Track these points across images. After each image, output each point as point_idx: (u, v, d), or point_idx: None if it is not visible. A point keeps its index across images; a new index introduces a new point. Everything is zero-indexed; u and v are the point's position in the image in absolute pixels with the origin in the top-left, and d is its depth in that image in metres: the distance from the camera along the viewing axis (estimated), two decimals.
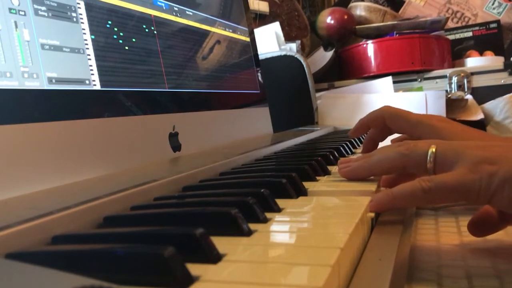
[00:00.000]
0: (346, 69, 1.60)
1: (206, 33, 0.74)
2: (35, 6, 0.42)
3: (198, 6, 0.73)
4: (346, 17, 1.60)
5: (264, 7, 1.38)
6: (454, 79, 1.40)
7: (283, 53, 1.20)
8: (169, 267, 0.20)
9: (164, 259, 0.20)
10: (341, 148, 0.63)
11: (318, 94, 1.30)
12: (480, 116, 1.29)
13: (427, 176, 0.34)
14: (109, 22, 0.51)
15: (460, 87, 1.40)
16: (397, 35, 1.49)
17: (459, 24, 1.77)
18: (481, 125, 1.29)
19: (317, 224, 0.30)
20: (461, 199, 0.34)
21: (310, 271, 0.21)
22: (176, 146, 0.58)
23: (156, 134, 0.55)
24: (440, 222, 0.44)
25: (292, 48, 1.25)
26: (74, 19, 0.47)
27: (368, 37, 1.57)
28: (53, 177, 0.40)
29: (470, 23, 1.76)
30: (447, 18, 1.68)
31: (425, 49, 1.45)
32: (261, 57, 1.00)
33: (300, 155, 0.62)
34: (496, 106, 1.31)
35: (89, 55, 0.47)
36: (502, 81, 1.38)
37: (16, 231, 0.25)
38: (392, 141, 0.52)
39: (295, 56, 1.19)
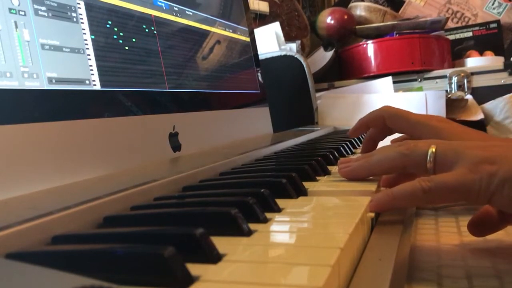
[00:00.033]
0: (346, 69, 1.60)
1: (206, 33, 0.74)
2: (35, 6, 0.42)
3: (198, 6, 0.73)
4: (346, 17, 1.60)
5: (264, 7, 1.38)
6: (454, 79, 1.40)
7: (283, 53, 1.20)
8: (169, 267, 0.20)
9: (164, 259, 0.20)
10: (341, 148, 0.63)
11: (318, 94, 1.30)
12: (480, 116, 1.29)
13: (427, 176, 0.34)
14: (109, 22, 0.51)
15: (460, 87, 1.40)
16: (397, 35, 1.49)
17: (459, 24, 1.77)
18: (481, 125, 1.29)
19: (317, 224, 0.30)
20: (461, 199, 0.34)
21: (310, 271, 0.21)
22: (176, 146, 0.58)
23: (156, 134, 0.55)
24: (440, 222, 0.44)
25: (292, 48, 1.25)
26: (74, 19, 0.47)
27: (368, 37, 1.57)
28: (53, 177, 0.40)
29: (470, 23, 1.76)
30: (447, 18, 1.68)
31: (425, 49, 1.46)
32: (261, 57, 1.00)
33: (300, 155, 0.62)
34: (496, 106, 1.31)
35: (89, 55, 0.47)
36: (502, 81, 1.38)
37: (16, 231, 0.25)
38: (392, 141, 0.52)
39: (295, 56, 1.19)
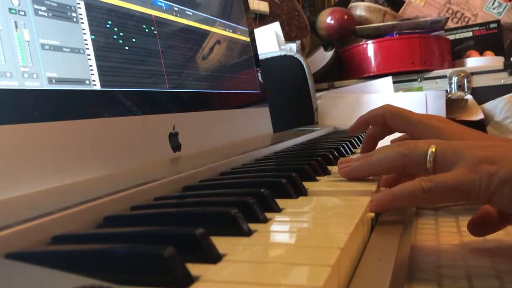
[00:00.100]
0: (346, 69, 1.60)
1: (206, 33, 0.74)
2: (35, 6, 0.42)
3: (198, 6, 0.73)
4: (346, 17, 1.60)
5: (264, 7, 1.38)
6: (454, 79, 1.40)
7: (283, 53, 1.20)
8: (169, 267, 0.20)
9: (164, 259, 0.20)
10: (341, 148, 0.63)
11: (318, 94, 1.30)
12: (480, 116, 1.29)
13: (427, 176, 0.34)
14: (109, 22, 0.51)
15: (460, 87, 1.40)
16: (397, 35, 1.49)
17: (459, 24, 1.77)
18: (481, 125, 1.29)
19: (317, 224, 0.30)
20: (461, 199, 0.34)
21: (310, 271, 0.21)
22: (176, 146, 0.58)
23: (156, 134, 0.55)
24: (440, 222, 0.44)
25: (292, 48, 1.25)
26: (74, 19, 0.47)
27: (368, 37, 1.57)
28: (53, 177, 0.40)
29: (470, 23, 1.76)
30: (447, 18, 1.68)
31: (425, 49, 1.46)
32: (261, 57, 1.00)
33: (300, 155, 0.62)
34: (496, 106, 1.31)
35: (89, 55, 0.47)
36: (502, 81, 1.38)
37: (16, 231, 0.25)
38: (392, 141, 0.52)
39: (295, 56, 1.19)
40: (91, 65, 0.47)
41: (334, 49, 1.53)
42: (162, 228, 0.27)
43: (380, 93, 1.35)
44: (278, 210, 0.33)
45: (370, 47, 1.51)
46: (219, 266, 0.22)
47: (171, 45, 0.62)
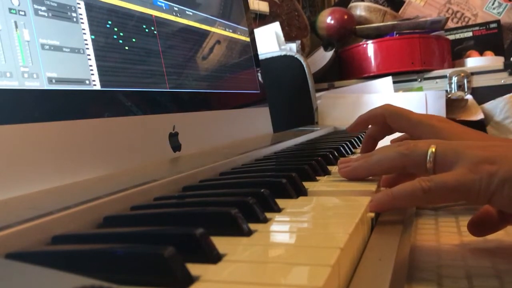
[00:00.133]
0: (346, 69, 1.60)
1: (206, 33, 0.74)
2: (35, 6, 0.42)
3: (198, 6, 0.73)
4: (346, 17, 1.60)
5: (264, 7, 1.38)
6: (454, 79, 1.40)
7: (283, 53, 1.20)
8: (169, 267, 0.20)
9: (164, 259, 0.20)
10: (341, 148, 0.63)
11: (318, 94, 1.30)
12: (480, 116, 1.29)
13: (427, 176, 0.34)
14: (109, 22, 0.51)
15: (460, 87, 1.40)
16: (397, 35, 1.49)
17: (459, 24, 1.77)
18: (481, 125, 1.29)
19: (317, 224, 0.30)
20: (461, 199, 0.34)
21: (310, 271, 0.21)
22: (176, 146, 0.58)
23: (156, 134, 0.55)
24: (440, 222, 0.44)
25: (292, 48, 1.25)
26: (74, 19, 0.47)
27: (368, 37, 1.57)
28: (53, 177, 0.40)
29: (470, 23, 1.76)
30: (447, 18, 1.68)
31: (425, 49, 1.46)
32: (261, 57, 1.00)
33: (300, 155, 0.62)
34: (496, 106, 1.31)
35: (89, 55, 0.47)
36: (502, 81, 1.38)
37: (16, 231, 0.25)
38: (391, 141, 0.52)
39: (295, 56, 1.19)
40: (91, 65, 0.47)
41: (334, 49, 1.53)
42: (162, 228, 0.27)
43: (380, 93, 1.35)
44: (278, 210, 0.33)
45: (370, 47, 1.51)
46: (219, 266, 0.22)
47: (171, 45, 0.62)
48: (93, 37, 0.48)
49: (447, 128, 0.44)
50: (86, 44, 0.47)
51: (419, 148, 0.37)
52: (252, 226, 0.28)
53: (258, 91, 0.91)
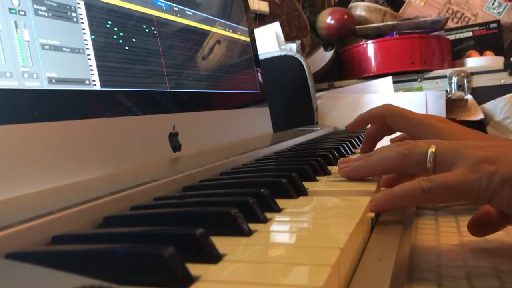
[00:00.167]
0: (346, 69, 1.60)
1: (206, 33, 0.74)
2: (35, 6, 0.42)
3: (198, 6, 0.73)
4: (346, 17, 1.60)
5: (264, 7, 1.38)
6: (454, 79, 1.40)
7: (283, 53, 1.20)
8: (169, 267, 0.20)
9: (164, 259, 0.20)
10: (341, 148, 0.63)
11: (318, 94, 1.30)
12: (480, 116, 1.29)
13: (427, 176, 0.34)
14: (109, 22, 0.51)
15: (460, 87, 1.40)
16: (397, 35, 1.49)
17: (459, 24, 1.77)
18: (481, 125, 1.29)
19: (317, 224, 0.30)
20: (461, 199, 0.34)
21: (310, 271, 0.21)
22: (176, 146, 0.58)
23: (156, 134, 0.55)
24: (440, 222, 0.44)
25: (292, 48, 1.25)
26: (74, 19, 0.47)
27: (368, 37, 1.57)
28: (53, 177, 0.40)
29: (470, 23, 1.76)
30: (447, 18, 1.68)
31: (425, 49, 1.46)
32: (261, 57, 1.00)
33: (300, 155, 0.62)
34: (496, 106, 1.31)
35: (89, 55, 0.47)
36: (502, 81, 1.38)
37: (16, 231, 0.25)
38: (391, 140, 0.52)
39: (295, 56, 1.19)
40: (91, 65, 0.47)
41: (334, 49, 1.53)
42: (162, 228, 0.27)
43: (380, 93, 1.35)
44: (278, 210, 0.33)
45: (370, 47, 1.51)
46: (219, 266, 0.22)
47: (171, 45, 0.63)
48: (93, 37, 0.48)
49: (446, 128, 0.44)
50: (86, 44, 0.47)
51: (419, 148, 0.37)
52: (252, 226, 0.28)
53: (258, 91, 0.91)
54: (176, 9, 0.66)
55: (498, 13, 1.75)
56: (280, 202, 0.34)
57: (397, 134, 0.52)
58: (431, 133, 0.44)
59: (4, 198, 0.34)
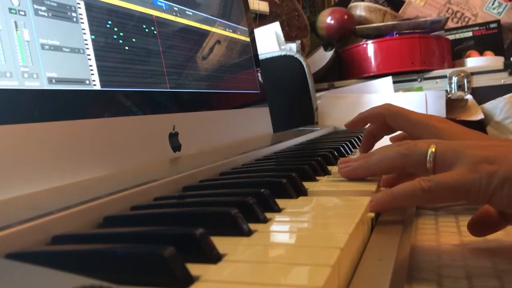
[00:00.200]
0: (346, 69, 1.60)
1: (206, 33, 0.74)
2: (35, 6, 0.42)
3: (198, 6, 0.73)
4: (346, 17, 1.60)
5: (264, 7, 1.38)
6: (454, 79, 1.40)
7: (283, 53, 1.20)
8: (169, 267, 0.20)
9: (164, 259, 0.20)
10: (341, 148, 0.63)
11: (318, 94, 1.30)
12: (480, 116, 1.29)
13: (427, 176, 0.34)
14: (109, 22, 0.51)
15: (460, 87, 1.40)
16: (397, 35, 1.49)
17: (459, 24, 1.77)
18: (481, 125, 1.29)
19: (317, 224, 0.30)
20: (461, 199, 0.34)
21: (310, 271, 0.21)
22: (176, 146, 0.58)
23: (156, 134, 0.55)
24: (440, 222, 0.44)
25: (292, 48, 1.25)
26: (74, 19, 0.47)
27: (368, 37, 1.57)
28: (53, 177, 0.40)
29: (470, 23, 1.76)
30: (447, 18, 1.68)
31: (425, 49, 1.46)
32: (261, 57, 1.00)
33: (300, 155, 0.62)
34: (496, 106, 1.31)
35: (89, 55, 0.47)
36: (502, 81, 1.38)
37: (16, 231, 0.25)
38: (391, 139, 0.52)
39: (295, 56, 1.19)
40: (91, 65, 0.47)
41: (334, 49, 1.53)
42: (162, 228, 0.27)
43: (380, 93, 1.35)
44: (278, 210, 0.33)
45: (370, 47, 1.51)
46: (219, 266, 0.22)
47: (171, 45, 0.63)
48: (93, 37, 0.48)
49: (446, 128, 0.44)
50: (86, 44, 0.47)
51: (419, 148, 0.37)
52: (252, 226, 0.28)
53: (258, 91, 0.91)
54: (176, 9, 0.66)
55: (498, 13, 1.75)
56: (280, 202, 0.34)
57: (398, 133, 0.52)
58: (430, 133, 0.44)
59: (4, 198, 0.34)
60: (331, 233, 0.27)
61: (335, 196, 0.39)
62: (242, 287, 0.20)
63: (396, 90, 1.37)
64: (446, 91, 1.36)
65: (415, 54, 1.45)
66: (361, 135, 0.79)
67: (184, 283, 0.20)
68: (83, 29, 0.48)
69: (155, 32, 0.59)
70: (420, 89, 1.43)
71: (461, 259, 0.34)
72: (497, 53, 1.58)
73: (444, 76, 1.43)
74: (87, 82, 0.46)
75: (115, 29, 0.52)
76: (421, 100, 1.26)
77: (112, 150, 0.47)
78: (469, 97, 1.36)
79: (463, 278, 0.30)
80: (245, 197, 0.31)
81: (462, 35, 1.70)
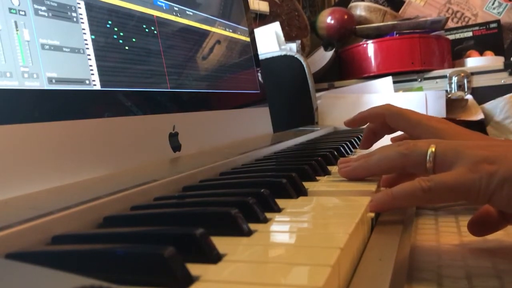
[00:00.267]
0: (346, 69, 1.60)
1: (206, 33, 0.74)
2: (35, 6, 0.42)
3: (198, 6, 0.73)
4: (346, 17, 1.60)
5: (264, 7, 1.38)
6: (454, 79, 1.40)
7: (283, 53, 1.20)
8: (169, 267, 0.20)
9: (164, 259, 0.20)
10: (341, 148, 0.63)
11: (318, 94, 1.30)
12: (480, 116, 1.29)
13: (427, 176, 0.34)
14: (109, 22, 0.51)
15: (460, 87, 1.40)
16: (397, 35, 1.49)
17: (459, 24, 1.77)
18: (481, 125, 1.29)
19: (317, 224, 0.30)
20: (461, 199, 0.34)
21: (310, 271, 0.21)
22: (176, 146, 0.58)
23: (156, 134, 0.55)
24: (440, 222, 0.44)
25: (292, 48, 1.25)
26: (74, 19, 0.47)
27: (368, 37, 1.57)
28: (53, 177, 0.40)
29: (470, 23, 1.76)
30: (447, 18, 1.68)
31: (425, 49, 1.46)
32: (261, 57, 1.00)
33: (300, 155, 0.62)
34: (496, 106, 1.31)
35: (89, 55, 0.47)
36: (502, 81, 1.38)
37: (16, 231, 0.25)
38: (391, 139, 0.52)
39: (295, 56, 1.19)
40: (91, 65, 0.47)
41: (334, 49, 1.53)
42: (162, 228, 0.27)
43: (380, 93, 1.35)
44: (278, 210, 0.33)
45: (370, 47, 1.51)
46: (219, 266, 0.22)
47: (171, 45, 0.63)
48: (93, 37, 0.48)
49: (446, 129, 0.44)
50: (86, 44, 0.47)
51: (419, 147, 0.37)
52: (252, 226, 0.28)
53: (258, 91, 0.91)
54: (176, 9, 0.66)
55: (498, 13, 1.75)
56: (280, 202, 0.34)
57: (399, 133, 0.52)
58: (430, 133, 0.44)
59: (4, 198, 0.34)
60: (331, 233, 0.27)
61: (335, 196, 0.39)
62: (242, 287, 0.20)
63: (396, 90, 1.37)
64: (446, 91, 1.36)
65: (415, 54, 1.45)
66: (361, 135, 0.79)
67: (184, 283, 0.20)
68: (83, 29, 0.48)
69: (155, 32, 0.59)
70: (420, 89, 1.43)
71: (461, 259, 0.34)
72: (497, 53, 1.58)
73: (444, 76, 1.43)
74: (87, 82, 0.46)
75: (115, 29, 0.52)
76: (421, 100, 1.26)
77: (112, 150, 0.47)
78: (469, 97, 1.36)
79: (463, 278, 0.30)
80: (245, 197, 0.31)
81: (462, 35, 1.70)
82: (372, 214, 0.36)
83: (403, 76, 1.46)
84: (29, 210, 0.29)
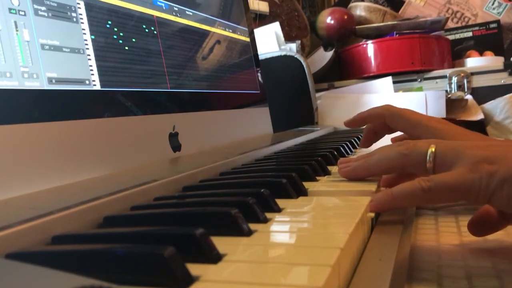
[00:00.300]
0: (346, 69, 1.60)
1: (206, 33, 0.74)
2: (35, 6, 0.42)
3: (198, 6, 0.73)
4: (346, 17, 1.60)
5: (264, 7, 1.39)
6: (454, 79, 1.40)
7: (283, 53, 1.20)
8: (169, 267, 0.20)
9: (164, 259, 0.20)
10: (341, 148, 0.63)
11: (318, 94, 1.30)
12: (480, 116, 1.29)
13: (427, 176, 0.34)
14: (109, 22, 0.51)
15: (460, 87, 1.40)
16: (397, 35, 1.49)
17: (459, 24, 1.77)
18: (481, 125, 1.29)
19: (317, 224, 0.30)
20: (461, 199, 0.34)
21: (310, 271, 0.21)
22: (176, 146, 0.58)
23: (156, 134, 0.55)
24: (440, 222, 0.44)
25: (292, 48, 1.25)
26: (74, 19, 0.47)
27: (368, 37, 1.57)
28: (53, 177, 0.40)
29: (470, 23, 1.76)
30: (447, 18, 1.68)
31: (425, 49, 1.46)
32: (261, 57, 1.00)
33: (300, 155, 0.62)
34: (496, 106, 1.31)
35: (89, 55, 0.47)
36: (502, 81, 1.38)
37: (16, 231, 0.25)
38: (391, 139, 0.52)
39: (295, 56, 1.19)
40: (91, 65, 0.47)
41: (334, 49, 1.53)
42: (162, 228, 0.27)
43: (380, 93, 1.35)
44: (278, 210, 0.33)
45: (370, 47, 1.51)
46: (219, 266, 0.22)
47: (171, 45, 0.63)
48: (93, 37, 0.48)
49: (446, 129, 0.44)
50: (86, 44, 0.47)
51: (419, 148, 0.37)
52: (252, 226, 0.28)
53: (258, 91, 0.91)
54: (176, 9, 0.66)
55: (498, 13, 1.75)
56: (280, 202, 0.34)
57: (399, 133, 0.52)
58: (430, 133, 0.44)
59: (4, 198, 0.34)
60: (331, 233, 0.27)
61: (335, 196, 0.39)
62: (242, 287, 0.20)
63: (396, 90, 1.37)
64: (446, 91, 1.36)
65: (415, 54, 1.45)
66: (361, 135, 0.79)
67: (184, 283, 0.20)
68: (83, 29, 0.48)
69: (155, 32, 0.59)
70: (420, 89, 1.43)
71: (461, 259, 0.34)
72: (497, 53, 1.58)
73: (444, 76, 1.43)
74: (87, 82, 0.46)
75: (115, 29, 0.52)
76: (421, 100, 1.26)
77: (112, 150, 0.47)
78: (469, 97, 1.36)
79: (463, 278, 0.30)
80: (245, 197, 0.31)
81: (462, 35, 1.70)
82: (372, 214, 0.36)
83: (403, 76, 1.46)
84: (29, 210, 0.29)
